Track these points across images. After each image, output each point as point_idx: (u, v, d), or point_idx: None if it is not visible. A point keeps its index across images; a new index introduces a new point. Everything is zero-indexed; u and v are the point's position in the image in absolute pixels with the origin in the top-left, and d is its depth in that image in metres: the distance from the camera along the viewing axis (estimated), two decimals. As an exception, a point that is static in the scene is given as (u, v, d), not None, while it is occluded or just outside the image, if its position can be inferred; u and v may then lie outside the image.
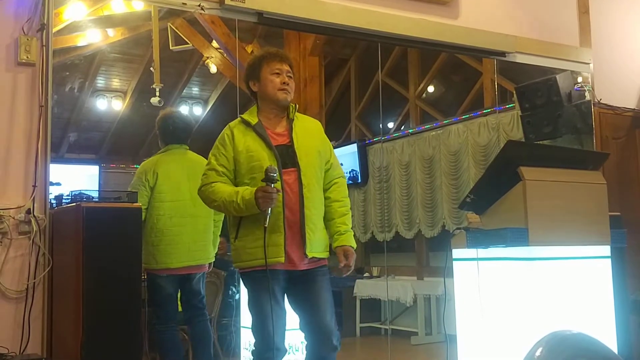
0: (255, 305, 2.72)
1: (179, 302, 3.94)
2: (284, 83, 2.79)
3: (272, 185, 2.59)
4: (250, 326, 2.79)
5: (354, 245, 2.84)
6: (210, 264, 3.92)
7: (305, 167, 2.75)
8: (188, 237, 3.73)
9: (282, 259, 2.67)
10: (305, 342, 2.78)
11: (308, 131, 2.84)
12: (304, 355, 2.82)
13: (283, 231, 2.68)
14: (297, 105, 2.87)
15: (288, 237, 2.69)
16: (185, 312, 3.93)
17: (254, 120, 2.80)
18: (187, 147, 3.94)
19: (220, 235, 3.99)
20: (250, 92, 2.91)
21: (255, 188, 2.61)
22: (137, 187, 3.71)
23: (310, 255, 2.72)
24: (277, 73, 2.80)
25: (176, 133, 3.89)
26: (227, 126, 2.84)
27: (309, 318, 2.74)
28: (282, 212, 2.68)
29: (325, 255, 2.82)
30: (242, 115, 2.84)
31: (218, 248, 4.02)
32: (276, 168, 2.62)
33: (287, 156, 2.74)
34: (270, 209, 2.60)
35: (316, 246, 2.76)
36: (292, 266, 2.71)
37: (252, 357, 2.78)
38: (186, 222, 3.74)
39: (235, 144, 2.76)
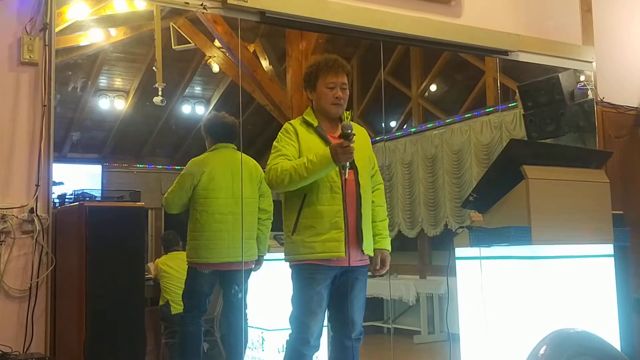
0: (301, 299, 2.82)
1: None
2: (336, 97, 2.89)
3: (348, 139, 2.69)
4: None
5: (390, 248, 3.01)
6: (255, 261, 3.99)
7: (361, 169, 2.89)
8: (228, 234, 3.82)
9: (343, 254, 2.78)
10: (330, 333, 2.93)
11: (359, 137, 2.92)
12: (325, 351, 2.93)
13: (344, 227, 2.78)
14: (352, 112, 2.99)
15: (347, 234, 2.79)
16: (224, 308, 4.03)
17: (314, 122, 2.92)
18: (235, 147, 4.04)
19: None
20: (307, 98, 3.02)
21: (329, 146, 2.73)
22: (182, 184, 3.86)
23: (366, 252, 2.87)
24: (331, 87, 2.89)
25: (222, 132, 4.01)
26: (288, 123, 2.94)
27: (342, 312, 2.86)
28: (342, 210, 2.79)
29: (372, 253, 2.94)
30: (303, 116, 2.96)
31: None
32: (351, 124, 2.74)
33: None
34: (348, 162, 2.71)
35: (369, 244, 2.89)
36: (345, 262, 2.82)
37: (285, 346, 2.88)
38: (227, 219, 3.84)
39: (299, 138, 2.86)
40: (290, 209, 2.86)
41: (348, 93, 2.95)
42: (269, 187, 2.88)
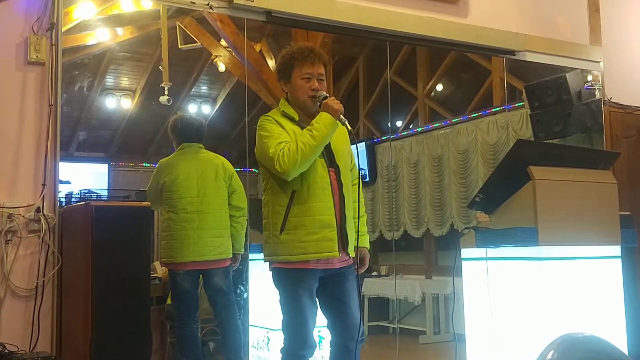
0: (294, 302, 2.69)
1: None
2: (313, 89, 2.72)
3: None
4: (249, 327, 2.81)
5: (369, 246, 2.91)
6: (231, 258, 3.97)
7: (342, 167, 2.78)
8: (194, 233, 3.80)
9: (337, 254, 2.67)
10: (331, 337, 2.80)
11: (338, 133, 2.78)
12: (328, 351, 2.85)
13: (336, 226, 2.67)
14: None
15: (338, 233, 2.69)
16: (212, 309, 4.02)
17: (295, 115, 2.75)
18: (202, 146, 4.04)
19: None
20: (282, 89, 2.86)
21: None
22: (151, 185, 3.92)
23: (352, 254, 2.75)
24: (308, 78, 2.73)
25: (187, 132, 4.02)
26: (267, 116, 2.75)
27: (339, 314, 2.76)
28: (332, 206, 2.68)
29: (354, 254, 2.81)
30: (282, 109, 2.78)
31: None
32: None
33: (327, 157, 2.74)
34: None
35: (352, 245, 2.77)
36: (330, 264, 2.72)
37: (281, 355, 2.76)
38: (192, 218, 3.82)
39: (285, 129, 2.69)
40: (276, 206, 2.68)
41: (326, 85, 2.77)
42: (282, 172, 2.59)
